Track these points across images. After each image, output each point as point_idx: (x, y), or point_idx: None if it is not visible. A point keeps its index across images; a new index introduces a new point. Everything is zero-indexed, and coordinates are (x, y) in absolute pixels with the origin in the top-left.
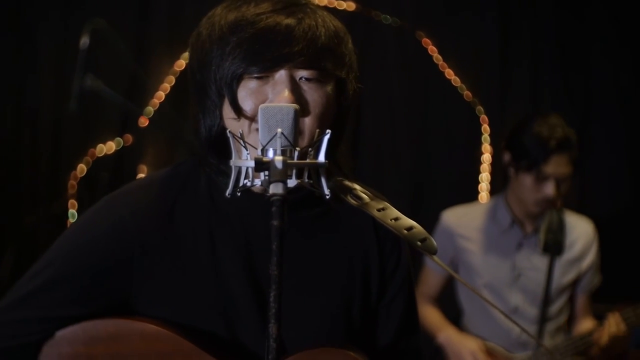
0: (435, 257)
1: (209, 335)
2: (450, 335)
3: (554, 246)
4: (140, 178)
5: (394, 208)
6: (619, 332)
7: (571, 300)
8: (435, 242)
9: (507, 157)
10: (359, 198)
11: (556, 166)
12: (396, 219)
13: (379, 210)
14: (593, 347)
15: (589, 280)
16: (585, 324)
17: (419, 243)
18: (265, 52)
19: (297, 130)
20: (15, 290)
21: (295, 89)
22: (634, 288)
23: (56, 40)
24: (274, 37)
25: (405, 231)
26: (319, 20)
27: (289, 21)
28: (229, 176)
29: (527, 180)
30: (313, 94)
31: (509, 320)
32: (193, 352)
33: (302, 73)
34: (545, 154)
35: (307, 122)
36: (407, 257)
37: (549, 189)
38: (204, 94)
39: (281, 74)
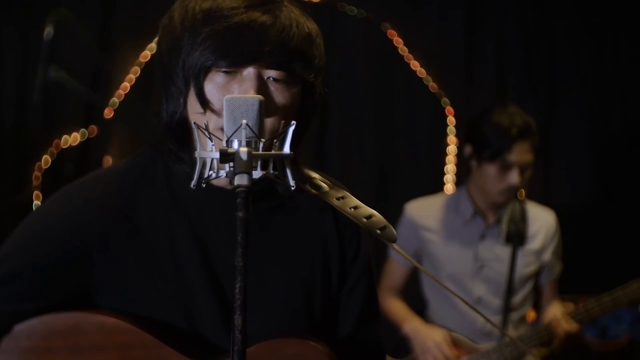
0: (395, 245)
1: (168, 327)
2: (415, 326)
3: (516, 237)
4: (97, 170)
5: (353, 197)
6: (571, 329)
7: (536, 291)
8: (394, 231)
9: (468, 149)
10: (318, 187)
11: (519, 154)
12: (355, 207)
13: (338, 199)
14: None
15: (552, 270)
16: (552, 310)
17: (378, 231)
18: (236, 48)
19: (262, 121)
20: None
21: (261, 88)
22: (597, 279)
23: (19, 30)
24: (247, 34)
25: (365, 219)
26: (294, 20)
27: (264, 19)
28: (187, 164)
29: (490, 170)
30: (279, 95)
31: (473, 310)
32: (152, 343)
33: (271, 73)
34: (508, 142)
35: (270, 121)
36: (367, 246)
37: (514, 177)
38: (169, 79)
39: (249, 71)
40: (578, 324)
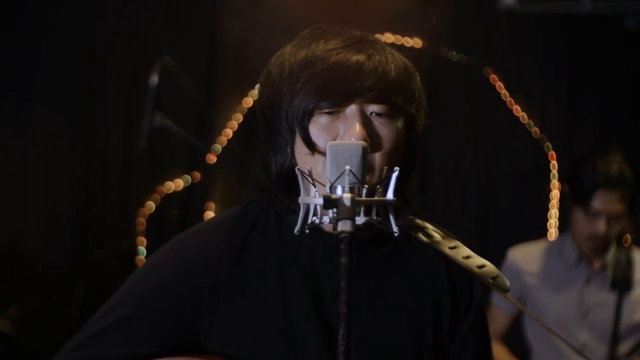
0: (507, 295)
1: None
2: None
3: (622, 282)
4: (210, 218)
5: (465, 247)
6: None
7: None
8: (507, 281)
9: (565, 189)
10: (431, 236)
11: (604, 202)
12: (468, 257)
13: (450, 248)
14: None
15: None
16: None
17: (490, 280)
18: (335, 87)
19: (365, 167)
20: (85, 330)
21: (366, 123)
22: None
23: (126, 78)
24: (345, 72)
25: (477, 269)
26: (388, 56)
27: (359, 57)
28: (298, 214)
29: (578, 214)
30: (384, 129)
31: (579, 355)
32: None
33: (373, 108)
34: (592, 189)
35: (377, 157)
36: (480, 296)
37: (599, 225)
38: (274, 131)
39: (352, 109)
40: None
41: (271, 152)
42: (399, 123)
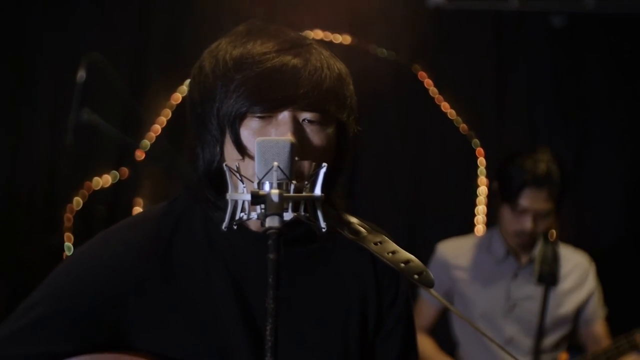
0: (432, 291)
1: None
2: None
3: (548, 276)
4: (135, 214)
5: (391, 241)
6: None
7: (578, 334)
8: (432, 276)
9: (494, 185)
10: (356, 232)
11: (531, 200)
12: (393, 252)
13: (375, 243)
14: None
15: (594, 308)
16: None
17: (415, 276)
18: (270, 93)
19: (293, 163)
20: (6, 326)
21: (297, 130)
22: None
23: (52, 74)
24: (280, 78)
25: (402, 264)
26: (324, 62)
27: (295, 62)
28: (224, 211)
29: (506, 211)
30: (315, 137)
31: (504, 350)
32: None
33: (305, 115)
34: (520, 187)
35: (307, 164)
36: (406, 291)
37: (526, 223)
38: (204, 128)
39: (284, 115)
40: None
41: (199, 149)
42: (330, 130)
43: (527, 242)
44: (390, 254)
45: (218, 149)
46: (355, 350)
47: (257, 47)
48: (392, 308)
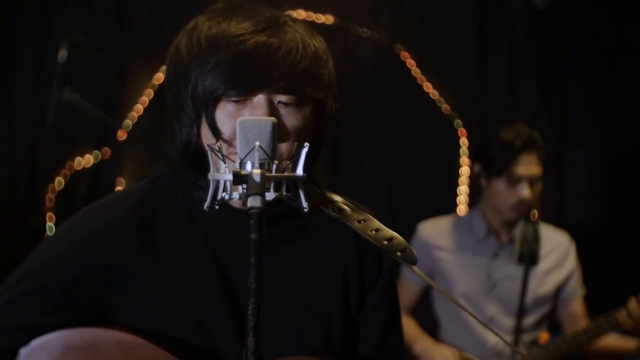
0: (415, 268)
1: (185, 345)
2: (426, 345)
3: (529, 256)
4: (118, 191)
5: (375, 219)
6: None
7: (557, 313)
8: (415, 253)
9: (477, 168)
10: (340, 210)
11: (526, 166)
12: (377, 230)
13: (359, 221)
14: (584, 345)
15: (574, 288)
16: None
17: (398, 254)
18: (244, 76)
19: (275, 143)
20: None
21: (273, 113)
22: (609, 298)
23: (34, 53)
24: (254, 61)
25: (386, 242)
26: (299, 42)
27: (270, 43)
28: (206, 190)
29: (499, 185)
30: (291, 118)
31: (485, 329)
32: (167, 359)
33: (281, 97)
34: (513, 155)
35: (285, 145)
36: (389, 268)
37: (523, 190)
38: (180, 108)
39: (259, 98)
40: None
41: (177, 129)
42: (306, 110)
43: (524, 213)
44: (373, 232)
45: (195, 129)
46: (338, 328)
47: (232, 28)
48: (375, 285)
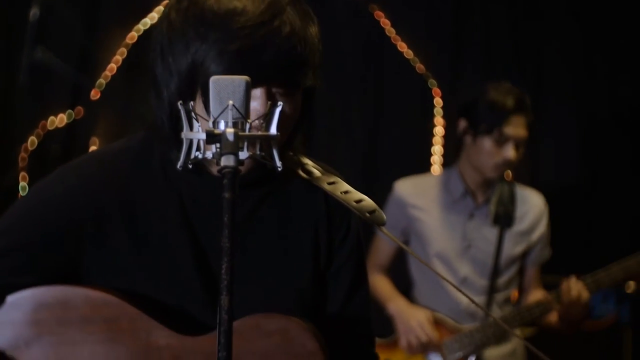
0: (384, 229)
1: (155, 303)
2: (399, 305)
3: (504, 218)
4: (93, 151)
5: (344, 182)
6: (581, 297)
7: (521, 273)
8: (384, 215)
9: (462, 124)
10: (310, 172)
11: (515, 127)
12: (346, 192)
13: (329, 183)
14: (546, 314)
15: (539, 253)
16: (536, 295)
17: (368, 215)
18: (248, 72)
19: (249, 102)
20: None
21: (269, 100)
22: (581, 261)
23: (5, 11)
24: (259, 57)
25: (355, 203)
26: (301, 33)
27: (275, 39)
28: (181, 150)
29: (486, 144)
30: (287, 106)
31: (458, 290)
32: (139, 316)
33: (278, 89)
34: (505, 114)
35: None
36: (357, 228)
37: (509, 151)
38: (168, 71)
39: (258, 91)
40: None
41: (160, 87)
42: (298, 95)
43: (505, 174)
44: (343, 194)
45: (179, 95)
46: (308, 287)
47: (239, 8)
48: (343, 244)
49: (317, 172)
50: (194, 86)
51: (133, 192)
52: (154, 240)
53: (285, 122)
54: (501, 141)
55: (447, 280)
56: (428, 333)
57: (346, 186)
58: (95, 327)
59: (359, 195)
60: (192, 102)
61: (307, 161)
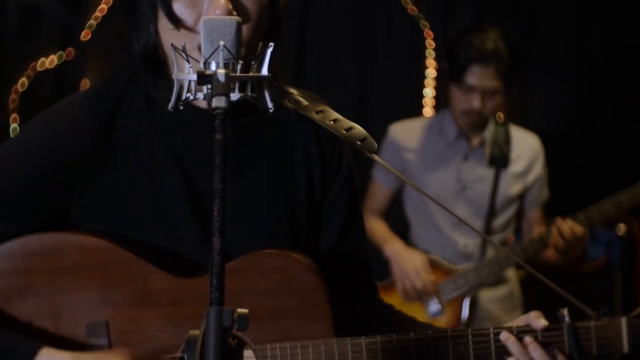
0: (375, 157)
1: (148, 245)
2: (395, 248)
3: (499, 159)
4: (75, 93)
5: (333, 110)
6: (576, 232)
7: (520, 216)
8: (375, 142)
9: (444, 65)
10: (297, 102)
11: (478, 78)
12: (335, 120)
13: (317, 112)
14: (544, 250)
15: (537, 194)
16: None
17: (358, 142)
18: None
19: (239, 43)
20: None
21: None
22: (572, 202)
23: None
24: None
25: (345, 131)
26: None
27: None
28: (166, 91)
29: (454, 90)
30: (248, 2)
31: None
32: (132, 261)
33: None
34: (466, 64)
35: (244, 30)
36: (349, 159)
37: (473, 101)
38: (135, 8)
39: None
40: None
41: (133, 31)
42: None
43: (477, 121)
44: (332, 122)
45: (152, 28)
46: (302, 219)
47: None
48: (336, 176)
49: (303, 101)
50: (155, 6)
51: (118, 132)
52: (143, 179)
53: (250, 17)
54: (465, 89)
55: (451, 212)
56: (423, 279)
57: (335, 114)
58: (89, 274)
59: (349, 123)
60: (183, 42)
61: (293, 90)
